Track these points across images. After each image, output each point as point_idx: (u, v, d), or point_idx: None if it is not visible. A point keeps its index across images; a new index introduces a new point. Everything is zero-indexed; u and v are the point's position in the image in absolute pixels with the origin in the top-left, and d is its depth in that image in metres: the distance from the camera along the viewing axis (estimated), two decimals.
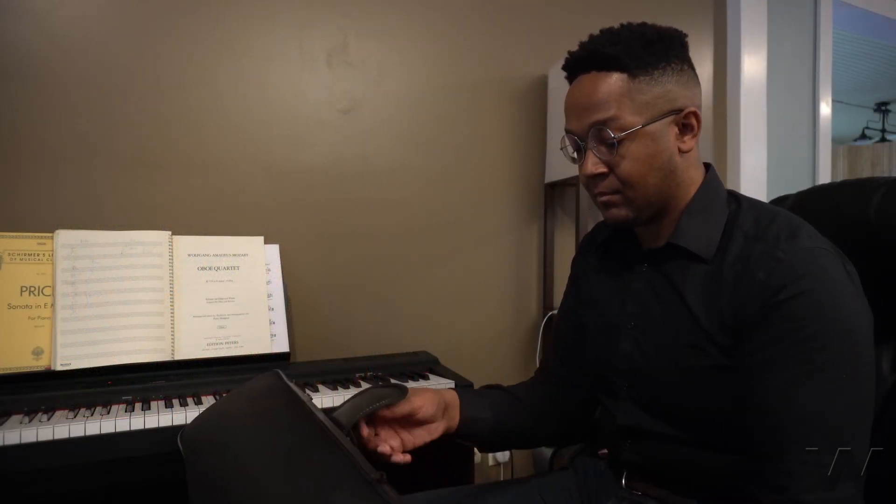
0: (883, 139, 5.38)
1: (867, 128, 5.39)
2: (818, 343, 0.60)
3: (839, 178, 2.25)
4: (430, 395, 0.77)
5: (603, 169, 0.71)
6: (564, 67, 0.75)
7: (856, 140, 5.61)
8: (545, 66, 1.78)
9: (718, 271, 0.68)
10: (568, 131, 0.74)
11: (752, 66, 2.16)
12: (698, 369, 0.69)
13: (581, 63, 0.72)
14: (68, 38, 1.30)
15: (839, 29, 2.64)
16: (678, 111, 0.70)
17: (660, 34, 0.70)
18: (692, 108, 0.70)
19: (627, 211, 0.72)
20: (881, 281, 0.82)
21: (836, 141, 5.35)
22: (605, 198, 0.73)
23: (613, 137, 0.68)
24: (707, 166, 0.77)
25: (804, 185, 0.98)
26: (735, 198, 0.75)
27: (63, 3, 1.30)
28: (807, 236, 0.65)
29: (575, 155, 0.75)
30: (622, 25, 0.72)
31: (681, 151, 0.71)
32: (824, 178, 2.44)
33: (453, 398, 0.82)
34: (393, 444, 0.72)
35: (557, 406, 0.92)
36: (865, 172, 4.77)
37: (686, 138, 0.71)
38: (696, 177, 0.74)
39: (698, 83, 0.73)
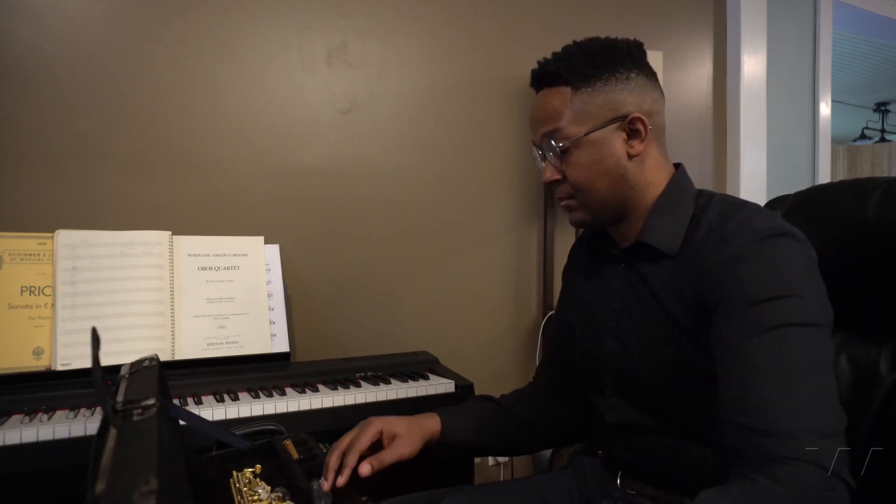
0: (882, 139, 5.38)
1: (867, 128, 5.39)
2: (767, 294, 0.61)
3: (839, 178, 2.26)
4: (416, 444, 0.79)
5: (557, 176, 0.76)
6: (531, 85, 0.80)
7: (855, 140, 5.61)
8: None
9: (683, 262, 0.71)
10: (532, 143, 0.80)
11: (752, 66, 2.16)
12: (675, 360, 0.70)
13: (537, 80, 0.78)
14: (68, 38, 1.30)
15: (839, 29, 2.64)
16: (623, 118, 0.73)
17: (604, 47, 0.74)
18: (637, 114, 0.72)
19: (584, 214, 0.77)
20: (881, 281, 0.82)
21: (836, 141, 5.35)
22: (564, 202, 0.79)
23: (558, 147, 0.73)
24: (677, 166, 0.80)
25: (804, 185, 0.98)
26: (706, 194, 0.76)
27: (63, 4, 1.30)
28: (765, 220, 0.66)
29: (543, 164, 0.79)
30: (573, 42, 0.77)
31: (630, 156, 0.74)
32: (824, 178, 2.44)
33: (433, 429, 0.83)
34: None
35: (547, 412, 0.94)
36: (865, 172, 4.77)
37: (634, 143, 0.73)
38: (657, 179, 0.76)
39: (653, 89, 0.76)
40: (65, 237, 1.11)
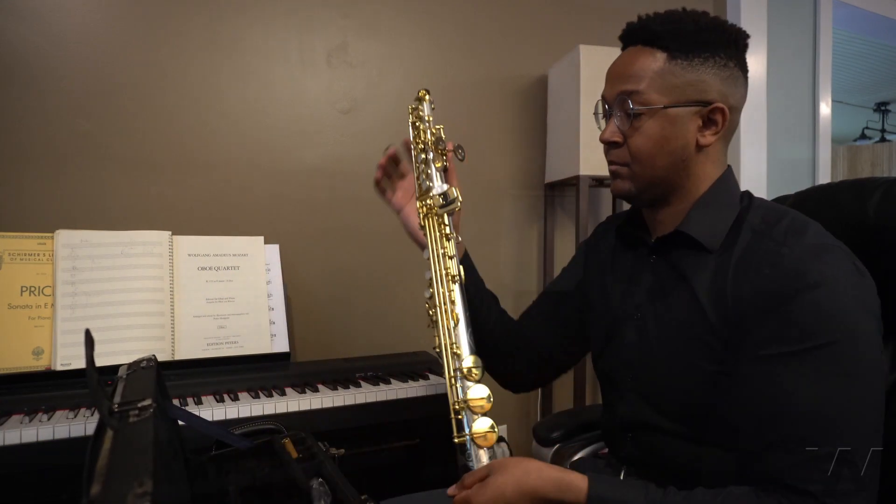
0: (883, 139, 5.37)
1: (867, 128, 5.38)
2: (816, 341, 0.60)
3: (839, 178, 2.26)
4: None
5: (618, 138, 0.72)
6: (620, 37, 0.75)
7: (856, 140, 5.60)
8: (545, 66, 1.78)
9: (726, 264, 0.68)
10: (602, 97, 0.75)
11: (753, 66, 2.16)
12: (702, 362, 0.69)
13: (631, 34, 0.73)
14: (70, 39, 1.30)
15: (839, 29, 2.64)
16: (706, 104, 0.69)
17: (715, 26, 0.70)
18: (720, 104, 0.69)
19: (630, 185, 0.73)
20: (881, 281, 0.82)
21: (836, 141, 5.34)
22: (614, 167, 0.75)
23: (633, 109, 0.69)
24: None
25: (804, 185, 0.98)
26: (748, 196, 0.75)
27: (65, 5, 1.30)
28: (813, 234, 0.65)
29: (603, 121, 0.75)
30: (684, 9, 0.71)
31: (699, 145, 0.70)
32: (824, 178, 2.44)
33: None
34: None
35: (509, 340, 0.93)
36: (865, 172, 4.77)
37: (707, 133, 0.70)
38: (712, 173, 0.74)
39: (742, 85, 0.72)
40: (65, 237, 1.11)
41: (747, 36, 0.73)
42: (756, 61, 2.17)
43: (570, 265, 0.97)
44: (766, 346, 0.63)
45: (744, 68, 0.72)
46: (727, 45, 0.70)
